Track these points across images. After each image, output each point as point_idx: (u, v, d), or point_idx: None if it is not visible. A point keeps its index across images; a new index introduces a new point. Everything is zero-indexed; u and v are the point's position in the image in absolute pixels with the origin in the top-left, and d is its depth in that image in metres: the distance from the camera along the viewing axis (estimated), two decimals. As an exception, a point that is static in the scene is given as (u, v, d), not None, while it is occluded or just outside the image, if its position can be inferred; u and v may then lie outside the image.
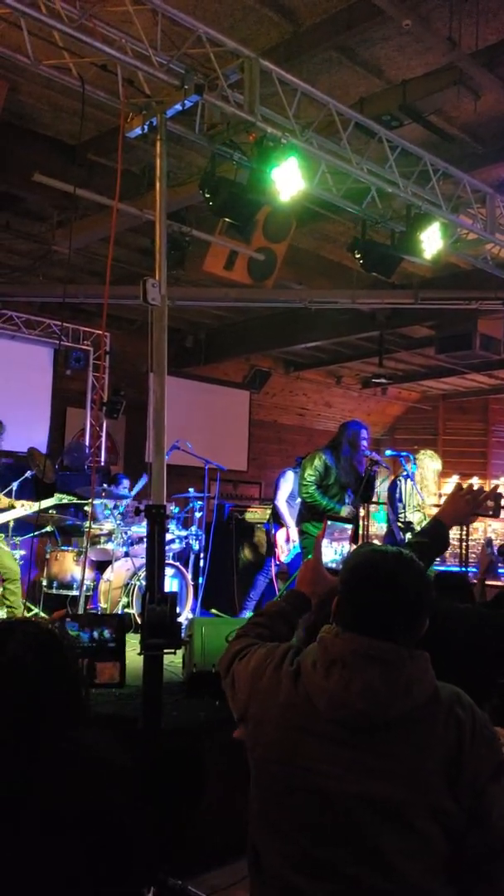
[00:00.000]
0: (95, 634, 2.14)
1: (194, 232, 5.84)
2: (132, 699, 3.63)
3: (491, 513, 2.23)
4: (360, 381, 13.10)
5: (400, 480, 6.06)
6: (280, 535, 6.68)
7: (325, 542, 2.09)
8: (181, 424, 9.57)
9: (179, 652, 4.68)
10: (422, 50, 4.86)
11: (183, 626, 5.49)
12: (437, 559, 6.53)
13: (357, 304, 7.78)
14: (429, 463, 6.06)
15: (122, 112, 3.53)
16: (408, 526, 5.88)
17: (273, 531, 6.76)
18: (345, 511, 5.59)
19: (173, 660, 4.68)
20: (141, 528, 6.35)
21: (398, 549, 1.65)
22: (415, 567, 1.59)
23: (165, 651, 2.67)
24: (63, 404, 9.17)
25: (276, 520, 6.77)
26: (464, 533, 9.55)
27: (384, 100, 4.94)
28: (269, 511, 7.37)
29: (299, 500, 5.96)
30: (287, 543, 6.68)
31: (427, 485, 6.06)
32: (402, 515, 5.96)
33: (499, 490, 2.25)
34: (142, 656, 2.99)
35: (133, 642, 4.72)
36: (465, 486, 2.21)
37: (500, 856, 1.46)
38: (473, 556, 11.06)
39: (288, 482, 6.74)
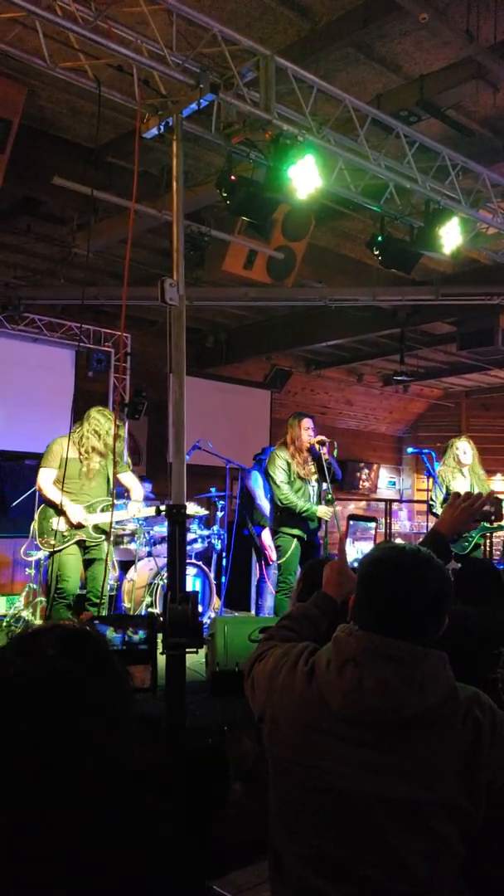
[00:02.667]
0: (127, 636, 2.12)
1: (213, 232, 5.84)
2: (155, 698, 3.65)
3: (493, 518, 2.20)
4: (382, 378, 13.04)
5: (443, 478, 5.99)
6: (266, 536, 6.56)
7: (348, 541, 2.09)
8: (203, 424, 9.60)
9: (202, 651, 4.71)
10: (439, 44, 4.83)
11: (205, 626, 5.55)
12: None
13: (377, 301, 7.75)
14: (459, 453, 5.98)
15: (139, 113, 3.55)
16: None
17: (257, 533, 6.67)
18: (320, 511, 5.51)
19: (197, 659, 4.70)
20: (163, 528, 6.37)
21: (417, 546, 1.64)
22: (434, 565, 1.57)
23: (187, 650, 2.68)
24: (86, 406, 9.22)
25: (258, 521, 6.66)
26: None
27: (402, 95, 4.92)
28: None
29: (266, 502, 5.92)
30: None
31: (459, 471, 5.96)
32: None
33: (495, 495, 2.22)
34: (164, 656, 3.02)
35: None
36: (462, 495, 2.17)
37: None
38: (496, 553, 10.95)
39: (259, 481, 6.65)
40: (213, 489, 7.05)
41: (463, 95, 4.78)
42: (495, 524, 5.67)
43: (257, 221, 4.51)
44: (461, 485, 5.89)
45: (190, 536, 6.34)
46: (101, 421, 4.96)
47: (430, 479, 5.92)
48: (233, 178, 3.99)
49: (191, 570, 6.07)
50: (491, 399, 13.85)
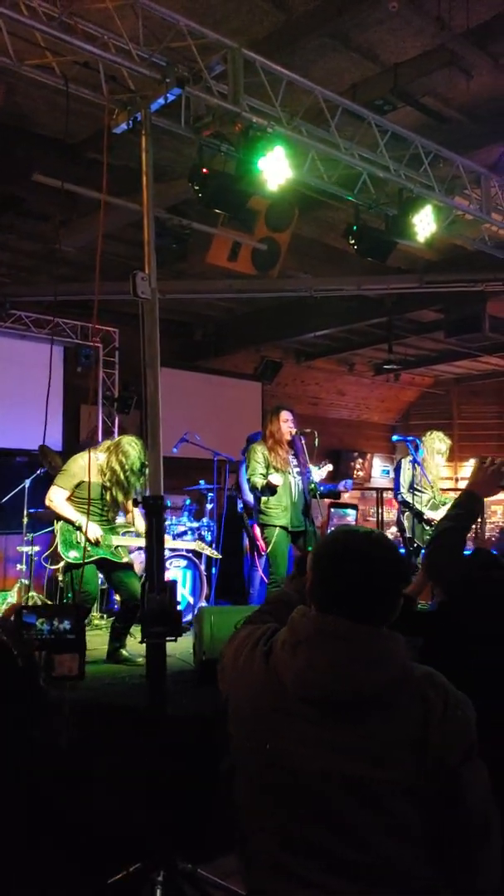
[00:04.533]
0: (55, 626, 2.17)
1: (194, 225, 5.85)
2: (84, 685, 3.65)
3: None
4: (372, 367, 13.06)
5: (405, 464, 6.12)
6: (257, 528, 6.58)
7: (329, 529, 2.14)
8: (194, 418, 9.62)
9: (190, 640, 4.76)
10: (415, 32, 4.82)
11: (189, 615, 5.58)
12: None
13: (362, 291, 7.77)
14: (432, 444, 6.10)
15: (107, 108, 3.56)
16: (406, 506, 5.99)
17: (250, 524, 6.71)
18: (275, 479, 5.48)
19: (187, 648, 4.75)
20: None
21: (370, 529, 1.66)
22: (386, 546, 1.60)
23: (167, 639, 2.71)
24: (76, 401, 9.25)
25: (251, 513, 6.68)
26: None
27: (377, 84, 4.92)
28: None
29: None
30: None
31: (430, 467, 6.09)
32: (416, 499, 6.01)
33: None
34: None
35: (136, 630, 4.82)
36: (487, 460, 2.28)
37: (476, 837, 1.48)
38: (491, 538, 11.02)
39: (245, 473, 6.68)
40: (202, 481, 7.08)
41: (437, 83, 4.79)
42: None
43: (230, 214, 4.53)
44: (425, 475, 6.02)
45: (180, 529, 6.38)
46: (131, 455, 4.77)
47: (416, 466, 5.98)
48: (204, 171, 4.01)
49: (181, 562, 6.11)
50: (481, 386, 13.89)
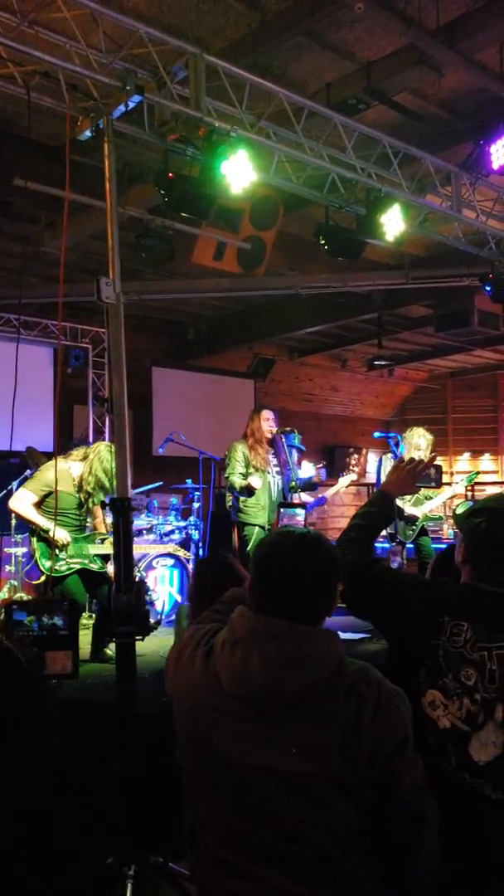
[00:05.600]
0: (46, 622, 2.18)
1: (177, 225, 5.88)
2: (77, 684, 3.66)
3: (433, 483, 2.35)
4: (366, 363, 13.08)
5: (385, 460, 6.16)
6: None
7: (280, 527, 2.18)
8: (187, 416, 9.66)
9: (172, 638, 4.79)
10: (389, 30, 4.84)
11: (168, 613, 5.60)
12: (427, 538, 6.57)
13: (349, 288, 7.79)
14: (410, 440, 6.13)
15: (69, 116, 3.59)
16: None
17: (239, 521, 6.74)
18: (254, 482, 5.49)
19: (169, 645, 4.77)
20: (141, 522, 6.45)
21: (306, 530, 1.70)
22: (319, 548, 1.64)
23: (135, 638, 2.76)
24: (69, 402, 9.29)
25: None
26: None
27: (350, 83, 4.95)
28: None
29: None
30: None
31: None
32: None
33: (435, 461, 2.36)
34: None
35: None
36: (406, 458, 2.34)
37: (411, 829, 1.52)
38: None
39: None
40: (188, 480, 7.12)
41: (409, 81, 4.81)
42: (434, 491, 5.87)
43: (197, 217, 4.56)
44: None
45: (167, 528, 6.42)
46: (110, 460, 4.67)
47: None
48: (170, 175, 4.04)
49: (168, 561, 6.15)
50: (476, 379, 13.90)
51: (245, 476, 5.56)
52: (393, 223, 4.99)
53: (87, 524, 4.99)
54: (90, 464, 4.73)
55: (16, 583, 6.25)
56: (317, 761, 1.49)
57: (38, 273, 8.02)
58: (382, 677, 1.59)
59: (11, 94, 5.54)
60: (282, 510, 2.26)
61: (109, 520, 5.06)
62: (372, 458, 14.08)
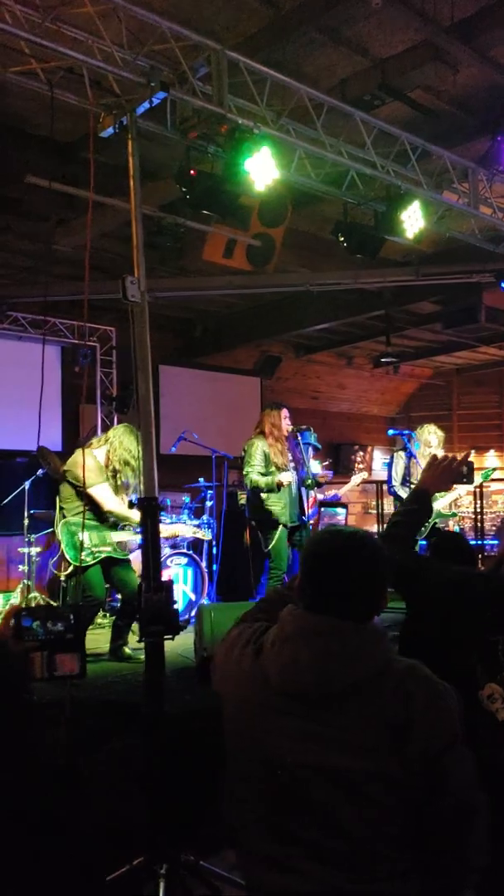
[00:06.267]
0: (50, 627, 2.22)
1: (188, 223, 5.87)
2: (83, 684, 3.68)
3: (465, 480, 2.38)
4: (372, 360, 13.06)
5: (397, 457, 6.18)
6: None
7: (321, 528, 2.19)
8: (194, 414, 9.65)
9: (191, 637, 4.80)
10: (401, 26, 4.83)
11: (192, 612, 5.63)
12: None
13: (360, 284, 7.78)
14: (422, 436, 6.16)
15: (92, 113, 3.57)
16: (399, 499, 6.05)
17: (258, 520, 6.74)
18: (286, 477, 5.55)
19: (190, 645, 4.79)
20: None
21: (354, 529, 1.71)
22: (367, 546, 1.65)
23: (165, 637, 2.75)
24: (76, 402, 9.29)
25: None
26: (479, 506, 9.56)
27: (365, 79, 4.93)
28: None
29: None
30: None
31: (423, 459, 6.14)
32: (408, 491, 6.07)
33: (469, 458, 2.39)
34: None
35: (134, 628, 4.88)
36: (440, 457, 2.37)
37: (463, 822, 1.52)
38: (492, 527, 11.03)
39: None
40: (201, 479, 7.11)
41: (424, 77, 4.79)
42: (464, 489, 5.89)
43: (219, 214, 4.53)
44: (419, 469, 6.06)
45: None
46: (133, 441, 4.86)
47: (412, 459, 6.02)
48: (192, 172, 4.02)
49: (181, 560, 6.14)
50: (483, 375, 13.89)
51: (265, 474, 5.55)
52: (413, 220, 4.98)
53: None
54: (112, 444, 4.89)
55: (29, 582, 6.25)
56: (366, 758, 1.50)
57: (48, 272, 7.98)
58: (431, 674, 1.59)
59: (22, 91, 5.54)
60: (322, 509, 2.29)
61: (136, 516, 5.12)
62: (378, 455, 14.07)
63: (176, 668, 4.51)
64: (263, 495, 5.60)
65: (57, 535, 4.82)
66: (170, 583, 2.75)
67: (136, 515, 4.56)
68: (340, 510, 2.28)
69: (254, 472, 5.56)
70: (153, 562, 2.71)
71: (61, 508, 4.83)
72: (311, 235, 8.03)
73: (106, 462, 4.87)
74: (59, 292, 7.64)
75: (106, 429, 9.11)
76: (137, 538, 5.07)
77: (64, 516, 4.80)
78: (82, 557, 4.68)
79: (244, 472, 5.67)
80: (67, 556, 4.75)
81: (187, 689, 4.03)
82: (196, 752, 3.45)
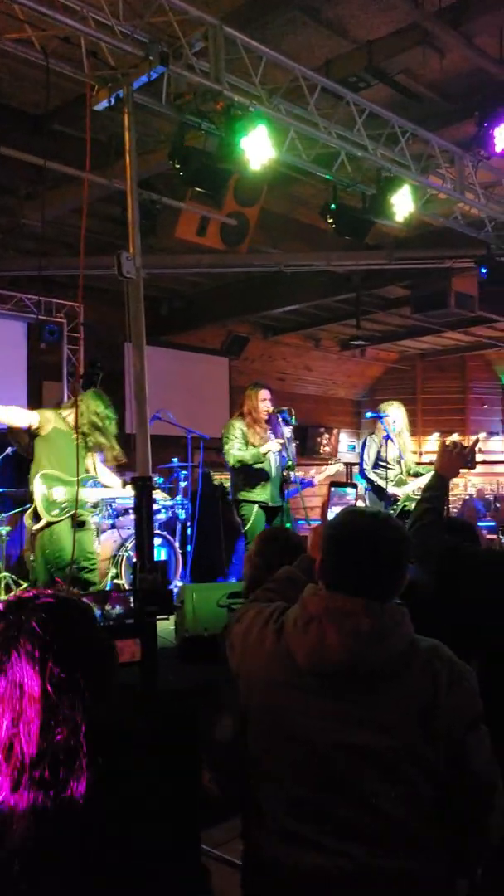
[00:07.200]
0: (107, 611, 2.15)
1: (164, 199, 5.78)
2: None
3: (469, 464, 2.46)
4: (339, 343, 13.12)
5: (370, 441, 6.26)
6: None
7: (330, 509, 2.21)
8: (160, 393, 9.53)
9: (172, 618, 4.80)
10: (385, 8, 4.81)
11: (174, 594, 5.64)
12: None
13: (331, 266, 7.78)
14: (404, 417, 6.26)
15: (88, 85, 3.48)
16: (370, 483, 6.14)
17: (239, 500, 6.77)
18: (271, 445, 5.59)
19: (167, 626, 4.79)
20: (126, 500, 6.39)
21: (376, 510, 1.73)
22: (392, 526, 1.67)
23: (159, 617, 2.75)
24: (39, 378, 9.12)
25: None
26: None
27: (350, 61, 4.90)
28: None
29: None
30: None
31: (403, 441, 6.23)
32: (381, 474, 6.15)
33: (479, 445, 2.47)
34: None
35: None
36: (448, 441, 2.44)
37: (483, 799, 1.57)
38: (453, 510, 11.25)
39: None
40: (174, 459, 7.08)
41: (411, 61, 4.79)
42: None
43: (211, 192, 4.48)
44: (392, 450, 6.15)
45: (154, 507, 6.37)
46: (100, 403, 5.02)
47: (388, 442, 6.08)
48: (187, 148, 3.95)
49: (156, 541, 6.11)
50: (446, 360, 14.08)
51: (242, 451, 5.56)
52: (403, 204, 4.99)
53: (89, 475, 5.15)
54: (80, 408, 4.96)
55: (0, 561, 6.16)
56: (395, 736, 1.53)
57: (15, 246, 7.81)
58: (452, 654, 1.62)
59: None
60: (332, 489, 2.30)
61: (110, 478, 5.23)
62: (344, 437, 14.18)
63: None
64: (242, 475, 5.61)
65: (32, 490, 4.87)
66: (164, 563, 2.74)
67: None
68: (350, 490, 2.30)
69: (234, 450, 5.56)
70: (147, 541, 2.70)
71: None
72: (283, 216, 7.99)
73: (75, 425, 4.91)
74: (26, 267, 7.48)
75: (72, 407, 8.98)
76: (106, 493, 5.23)
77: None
78: (55, 513, 4.76)
79: (224, 452, 5.67)
80: (39, 510, 4.79)
81: (170, 670, 4.04)
82: (180, 731, 3.47)
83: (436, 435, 11.57)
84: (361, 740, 1.53)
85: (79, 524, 4.86)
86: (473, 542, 3.13)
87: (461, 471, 2.54)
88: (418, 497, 6.86)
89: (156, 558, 6.10)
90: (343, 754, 1.53)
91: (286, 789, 1.59)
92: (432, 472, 2.57)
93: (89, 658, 1.26)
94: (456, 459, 2.47)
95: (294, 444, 5.96)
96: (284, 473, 5.71)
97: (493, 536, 7.80)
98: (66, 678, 1.22)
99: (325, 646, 1.57)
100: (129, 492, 5.26)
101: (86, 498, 4.96)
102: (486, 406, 14.19)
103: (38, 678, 1.21)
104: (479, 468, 13.38)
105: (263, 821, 1.64)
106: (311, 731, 1.56)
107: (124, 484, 5.22)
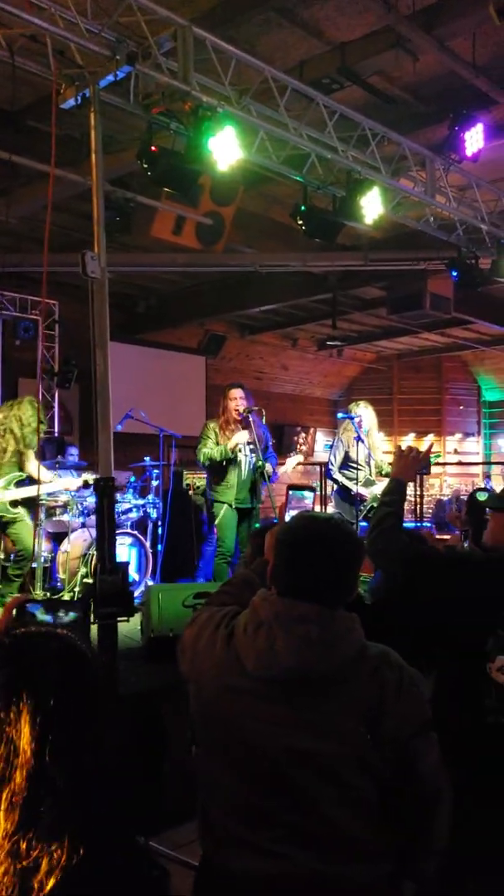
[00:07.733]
0: (57, 618, 2.14)
1: (139, 198, 5.75)
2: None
3: (424, 470, 2.51)
4: (316, 342, 13.15)
5: (338, 442, 6.29)
6: None
7: (288, 512, 2.21)
8: (137, 392, 9.51)
9: (138, 618, 4.78)
10: (361, 10, 4.82)
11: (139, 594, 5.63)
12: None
13: (307, 267, 7.79)
14: (373, 417, 6.30)
15: (55, 84, 3.45)
16: (336, 483, 6.17)
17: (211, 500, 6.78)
18: (238, 437, 5.58)
19: (133, 626, 4.77)
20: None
21: (329, 515, 1.73)
22: (346, 532, 1.67)
23: (119, 619, 2.74)
24: (14, 375, 9.04)
25: None
26: (419, 491, 9.81)
27: (324, 63, 4.90)
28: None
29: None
30: None
31: (373, 441, 6.27)
32: (349, 475, 6.20)
33: (434, 449, 2.52)
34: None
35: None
36: (403, 446, 2.48)
37: (429, 805, 1.57)
38: (428, 511, 11.34)
39: None
40: (147, 458, 7.05)
41: (384, 63, 4.80)
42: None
43: (179, 192, 4.46)
44: (362, 451, 6.18)
45: (125, 506, 6.35)
46: (28, 412, 5.25)
47: (359, 443, 6.10)
48: (153, 148, 3.94)
49: (126, 540, 6.09)
50: (422, 361, 14.17)
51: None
52: (372, 206, 5.00)
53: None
54: (9, 411, 5.25)
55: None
56: (342, 742, 1.52)
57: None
58: (402, 660, 1.62)
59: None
60: (290, 492, 2.28)
61: (44, 474, 5.40)
62: (321, 437, 14.22)
63: (121, 649, 4.48)
64: (213, 475, 5.63)
65: None
66: (125, 564, 2.72)
67: None
68: (308, 493, 2.30)
69: (205, 448, 5.59)
70: (108, 543, 2.68)
71: None
72: (259, 215, 7.98)
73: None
74: (2, 263, 7.39)
75: (46, 404, 8.93)
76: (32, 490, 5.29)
77: None
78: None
79: (196, 451, 5.70)
80: None
81: (134, 670, 4.02)
82: (143, 733, 3.46)
83: (412, 435, 11.65)
84: (310, 746, 1.52)
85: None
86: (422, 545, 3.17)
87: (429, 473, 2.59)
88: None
89: (126, 558, 6.12)
90: (288, 759, 1.53)
91: (238, 795, 1.59)
92: (389, 478, 2.59)
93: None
94: (412, 463, 2.51)
95: (270, 444, 5.95)
96: (255, 476, 5.70)
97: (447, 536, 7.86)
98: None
99: (274, 651, 1.56)
100: (61, 484, 5.53)
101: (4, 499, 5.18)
102: (462, 407, 14.31)
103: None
104: (454, 469, 13.51)
105: (213, 826, 1.64)
106: (261, 735, 1.55)
107: (86, 485, 5.37)
